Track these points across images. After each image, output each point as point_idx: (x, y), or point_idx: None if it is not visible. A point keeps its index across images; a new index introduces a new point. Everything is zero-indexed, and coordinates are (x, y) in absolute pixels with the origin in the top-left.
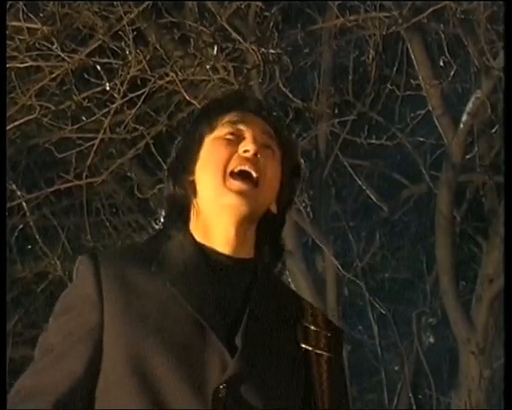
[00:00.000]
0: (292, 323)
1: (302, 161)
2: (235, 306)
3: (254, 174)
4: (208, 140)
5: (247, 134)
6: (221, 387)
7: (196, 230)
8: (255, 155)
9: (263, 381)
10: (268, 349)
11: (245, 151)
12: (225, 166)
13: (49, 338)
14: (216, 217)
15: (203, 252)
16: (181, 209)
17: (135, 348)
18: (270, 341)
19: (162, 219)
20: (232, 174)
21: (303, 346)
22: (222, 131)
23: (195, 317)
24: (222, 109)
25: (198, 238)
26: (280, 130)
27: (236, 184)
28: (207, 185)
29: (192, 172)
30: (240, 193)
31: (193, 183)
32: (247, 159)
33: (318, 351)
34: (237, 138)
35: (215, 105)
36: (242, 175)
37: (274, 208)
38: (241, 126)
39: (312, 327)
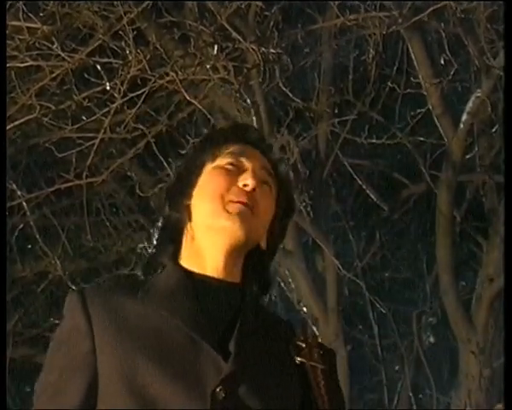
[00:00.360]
0: (284, 340)
1: (295, 199)
2: (225, 319)
3: (250, 205)
4: (209, 168)
5: (248, 167)
6: (218, 390)
7: (187, 256)
8: (253, 189)
9: (260, 382)
10: (262, 355)
11: (244, 185)
12: (223, 196)
13: (46, 376)
14: (209, 242)
15: (191, 277)
16: (174, 233)
17: (128, 365)
18: (264, 350)
19: (155, 242)
20: (229, 204)
21: (297, 359)
22: (223, 160)
23: (187, 331)
24: (225, 139)
25: (187, 264)
26: (278, 166)
27: (234, 207)
28: (204, 210)
29: (189, 197)
30: (238, 214)
31: (188, 207)
32: (246, 193)
33: (313, 363)
34: (237, 170)
35: (219, 135)
36: (239, 203)
37: (263, 244)
38: (243, 159)
39: (304, 345)
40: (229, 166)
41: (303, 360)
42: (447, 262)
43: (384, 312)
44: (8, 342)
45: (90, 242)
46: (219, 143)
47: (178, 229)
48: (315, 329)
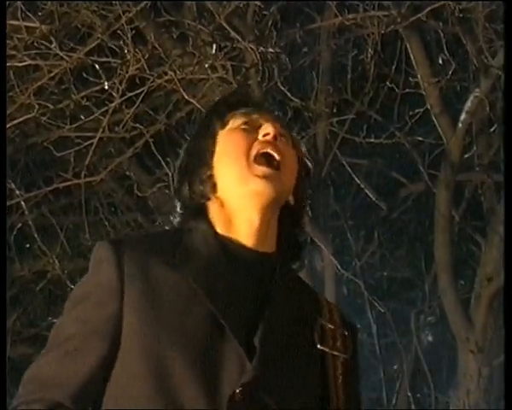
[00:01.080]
0: (309, 321)
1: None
2: (254, 305)
3: (277, 157)
4: (223, 133)
5: (264, 120)
6: (237, 391)
7: (218, 221)
8: (275, 138)
9: (279, 385)
10: (285, 351)
11: (265, 135)
12: (247, 152)
13: (67, 327)
14: (241, 206)
15: (226, 245)
16: (198, 208)
17: (152, 343)
18: (288, 342)
19: (180, 218)
20: (256, 159)
21: (320, 347)
22: (236, 122)
23: (215, 315)
24: (230, 105)
25: (220, 229)
26: (286, 126)
27: (261, 170)
28: (230, 175)
29: (210, 167)
30: (266, 177)
31: (211, 177)
32: (269, 142)
33: (335, 353)
34: (253, 127)
35: (223, 102)
36: (266, 158)
37: (292, 200)
38: (256, 116)
39: (329, 325)
40: (244, 126)
41: (325, 349)
42: (446, 261)
43: (383, 311)
44: (6, 341)
45: (88, 241)
46: (226, 109)
47: (203, 203)
48: None
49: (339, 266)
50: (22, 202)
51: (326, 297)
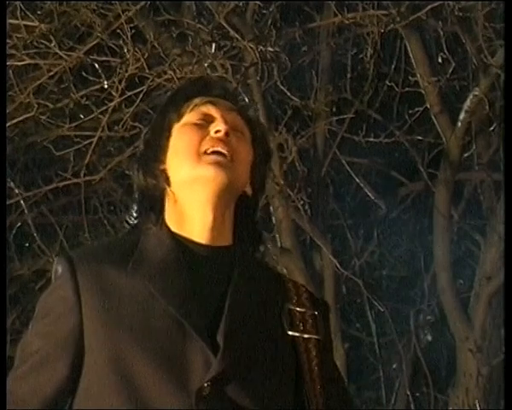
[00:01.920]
0: (276, 308)
1: (269, 142)
2: (215, 300)
3: (227, 154)
4: (177, 127)
5: (217, 115)
6: (205, 385)
7: (172, 220)
8: (226, 135)
9: (249, 378)
10: (253, 343)
11: (216, 132)
12: (197, 148)
13: (31, 342)
14: (193, 198)
15: (180, 244)
16: (154, 201)
17: (115, 349)
18: (255, 333)
19: (135, 214)
20: (205, 153)
21: (290, 333)
22: (190, 116)
23: (175, 316)
24: (188, 96)
25: (174, 228)
26: (247, 113)
27: (211, 157)
28: (181, 168)
29: (163, 161)
30: (216, 163)
31: (164, 171)
32: (219, 139)
33: (306, 335)
34: (207, 122)
35: (181, 92)
36: (216, 154)
37: (249, 190)
38: (210, 110)
39: (298, 309)
40: (198, 121)
41: (295, 334)
42: (445, 260)
43: (382, 310)
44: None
45: (87, 240)
46: (182, 99)
47: (157, 196)
48: None
49: (338, 265)
50: (21, 201)
51: (293, 279)
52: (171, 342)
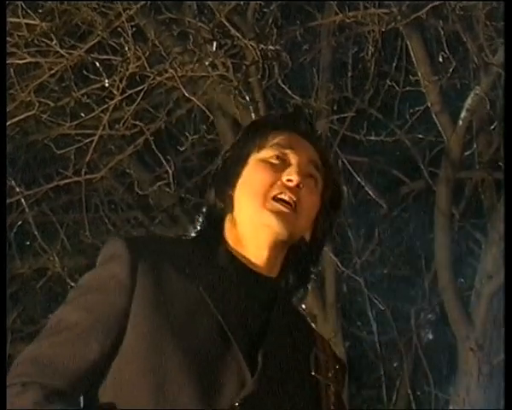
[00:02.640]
0: (305, 349)
1: (342, 190)
2: (259, 321)
3: (293, 204)
4: (254, 159)
5: (294, 162)
6: (236, 404)
7: (230, 238)
8: (297, 186)
9: (277, 403)
10: (283, 373)
11: (288, 180)
12: (267, 191)
13: (69, 314)
14: (252, 234)
15: (236, 261)
16: (217, 222)
17: (155, 344)
18: (286, 364)
19: (198, 228)
20: (273, 198)
21: (314, 374)
22: (269, 153)
23: (221, 326)
24: (272, 127)
25: (232, 244)
26: (326, 158)
27: (276, 206)
28: (246, 204)
29: (233, 187)
30: (279, 214)
31: (231, 197)
32: (289, 188)
33: (328, 382)
34: (283, 163)
35: (266, 122)
36: (283, 201)
37: (307, 236)
38: (289, 152)
39: (323, 355)
40: (274, 160)
41: (318, 377)
42: (446, 259)
43: (383, 308)
44: (7, 339)
45: (88, 238)
46: (266, 131)
47: (221, 217)
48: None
49: (339, 264)
50: (22, 200)
51: (319, 332)
52: (213, 352)
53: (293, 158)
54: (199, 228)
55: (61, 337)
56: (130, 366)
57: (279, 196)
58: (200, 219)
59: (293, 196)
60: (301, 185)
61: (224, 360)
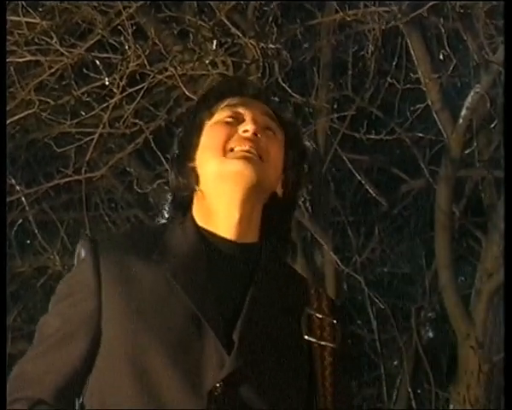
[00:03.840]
0: (296, 312)
1: (308, 144)
2: (236, 297)
3: (255, 153)
4: (208, 125)
5: (247, 115)
6: (217, 385)
7: (199, 215)
8: (255, 134)
9: (262, 379)
10: (269, 344)
11: (244, 131)
12: (225, 145)
13: (50, 323)
14: (220, 193)
15: (205, 239)
16: (183, 199)
17: (132, 339)
18: (272, 334)
19: (166, 215)
20: (232, 151)
21: (306, 338)
22: (221, 114)
23: (194, 311)
24: (221, 95)
25: (201, 223)
26: (281, 113)
27: (238, 153)
28: (208, 163)
29: (193, 159)
30: (244, 158)
31: (194, 169)
32: (247, 138)
33: (323, 343)
34: (237, 120)
35: (214, 91)
36: (243, 152)
37: (280, 192)
38: (241, 109)
39: (317, 315)
40: (228, 119)
41: (312, 340)
42: (446, 257)
43: (383, 307)
44: (7, 338)
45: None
46: (215, 99)
47: (187, 195)
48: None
49: (339, 262)
50: (23, 198)
51: (316, 285)
52: (187, 337)
53: (246, 113)
54: (166, 215)
55: (43, 347)
56: (109, 367)
57: (239, 149)
58: (166, 207)
59: (252, 145)
60: (258, 134)
61: (201, 344)
